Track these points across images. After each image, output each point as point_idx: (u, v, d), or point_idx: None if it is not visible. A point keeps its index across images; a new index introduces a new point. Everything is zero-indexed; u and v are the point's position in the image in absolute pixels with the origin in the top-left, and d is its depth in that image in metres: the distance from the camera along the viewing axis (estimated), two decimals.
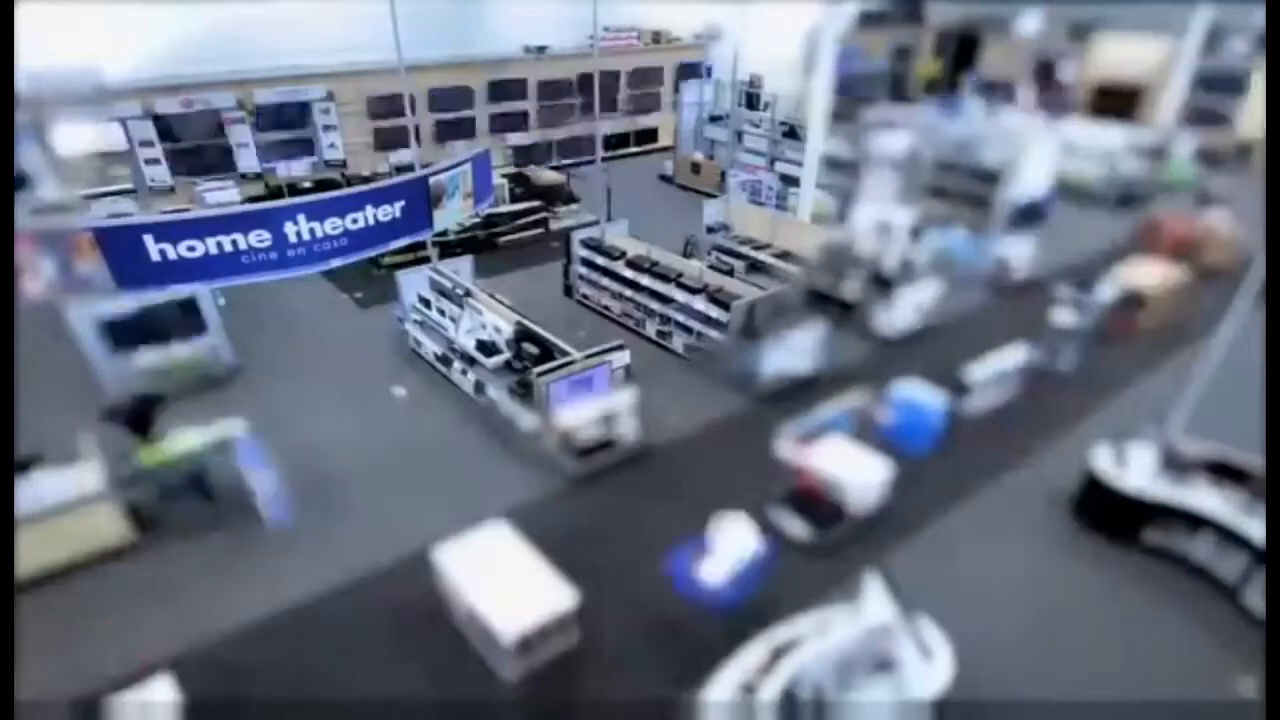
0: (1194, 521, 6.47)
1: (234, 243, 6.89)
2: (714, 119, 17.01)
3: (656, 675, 5.60)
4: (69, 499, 6.36)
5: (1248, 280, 5.88)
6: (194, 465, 6.92)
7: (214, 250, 6.82)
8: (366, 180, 11.45)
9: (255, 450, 6.85)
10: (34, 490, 6.30)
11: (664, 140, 20.39)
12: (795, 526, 6.91)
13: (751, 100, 17.18)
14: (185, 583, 6.41)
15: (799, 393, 9.04)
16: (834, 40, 10.28)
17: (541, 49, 18.52)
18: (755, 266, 11.47)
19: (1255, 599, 6.09)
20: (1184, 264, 11.40)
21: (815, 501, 7.03)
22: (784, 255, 11.29)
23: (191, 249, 6.72)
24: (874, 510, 7.06)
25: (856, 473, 6.98)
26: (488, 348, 8.65)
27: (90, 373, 8.54)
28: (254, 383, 9.42)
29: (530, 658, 5.49)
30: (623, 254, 10.68)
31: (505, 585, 5.64)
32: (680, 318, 9.94)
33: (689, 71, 19.80)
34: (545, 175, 15.89)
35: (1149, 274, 10.70)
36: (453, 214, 8.69)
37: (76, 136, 12.89)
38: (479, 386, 8.82)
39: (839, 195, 12.10)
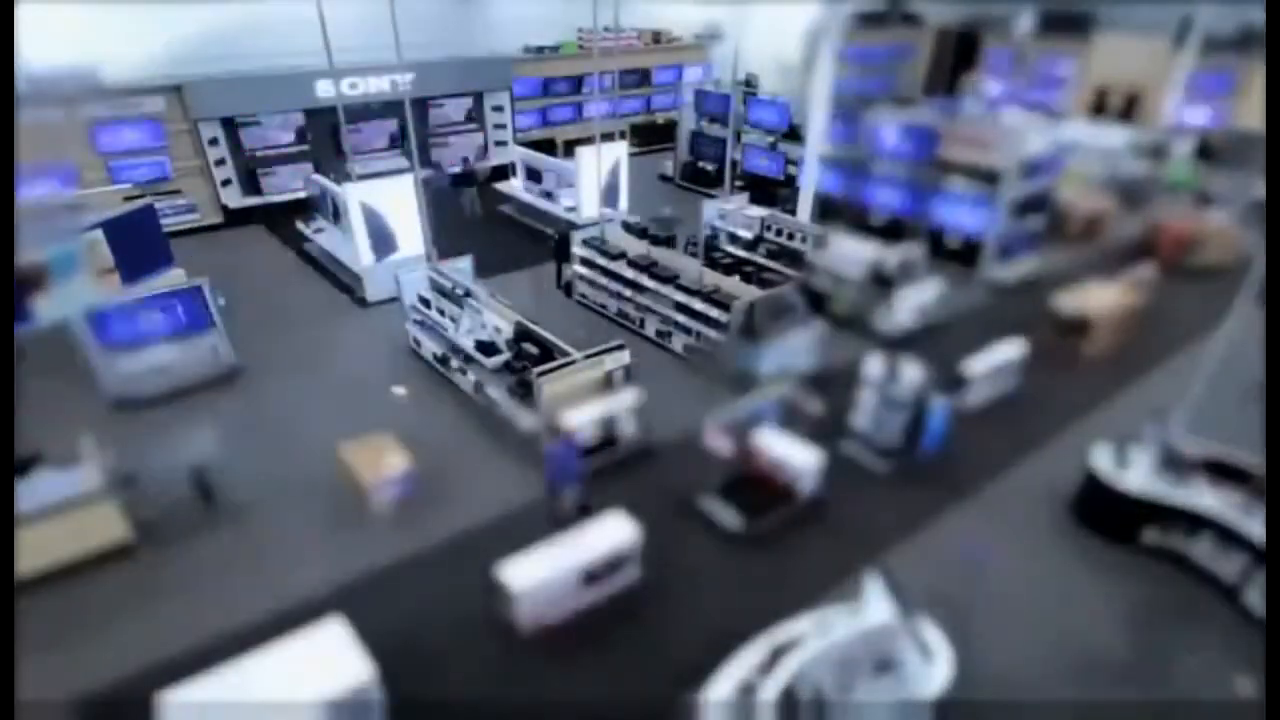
0: (1194, 521, 6.47)
1: None
2: (713, 119, 17.02)
3: (654, 674, 5.60)
4: (69, 499, 6.35)
5: (1248, 280, 5.88)
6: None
7: None
8: None
9: None
10: (34, 490, 6.30)
11: None
12: (727, 516, 7.05)
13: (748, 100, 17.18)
14: (185, 583, 6.42)
15: None
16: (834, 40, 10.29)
17: (542, 49, 18.56)
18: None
19: (1255, 599, 6.09)
20: (1182, 264, 11.36)
21: (762, 486, 7.18)
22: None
23: None
24: (812, 497, 7.23)
25: (801, 458, 7.17)
26: (487, 348, 8.65)
27: (90, 372, 8.55)
28: (254, 382, 9.42)
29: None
30: (622, 254, 10.68)
31: None
32: (680, 318, 9.94)
33: None
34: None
35: (1099, 298, 10.12)
36: (76, 297, 6.66)
37: None
38: (478, 386, 8.82)
39: None
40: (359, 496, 7.18)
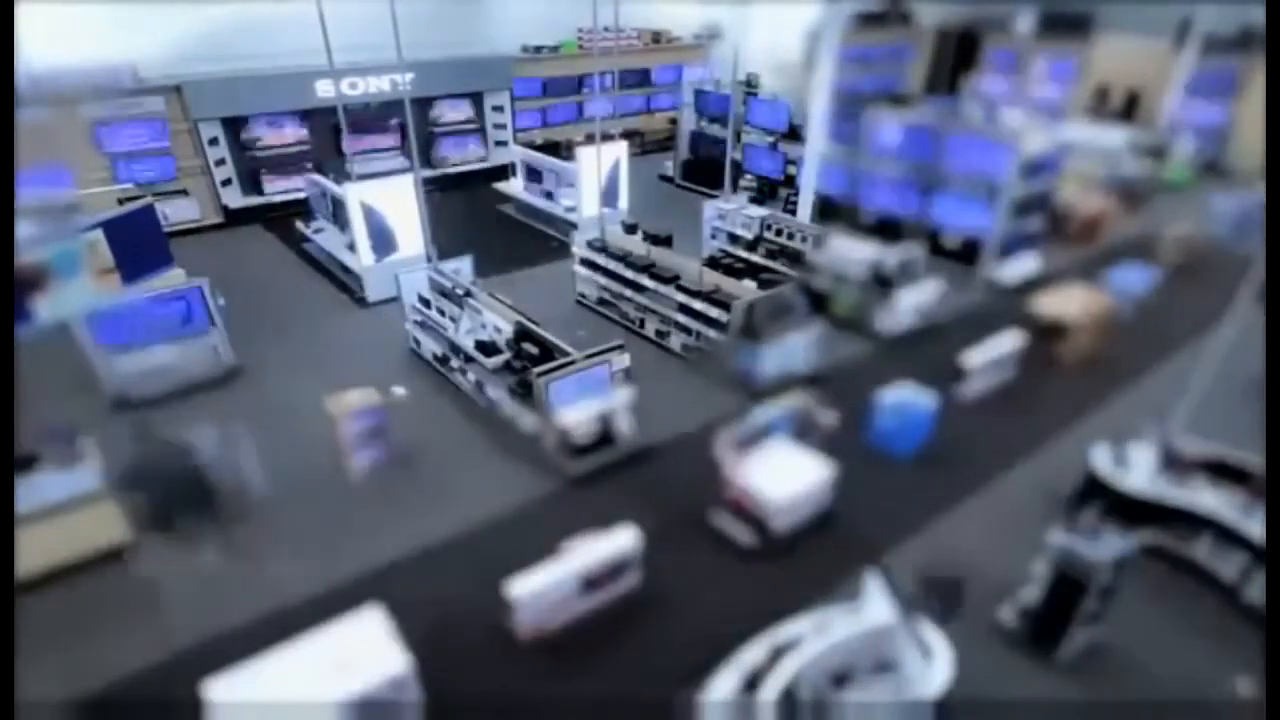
0: (1194, 521, 6.47)
1: None
2: (713, 119, 17.02)
3: (651, 673, 5.60)
4: (68, 498, 6.35)
5: (1247, 280, 5.88)
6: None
7: None
8: None
9: None
10: (34, 490, 6.29)
11: None
12: (739, 531, 6.84)
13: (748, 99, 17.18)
14: (185, 583, 6.41)
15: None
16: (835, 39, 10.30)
17: (541, 49, 18.55)
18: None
19: (1255, 599, 6.09)
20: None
21: (742, 513, 6.86)
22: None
23: None
24: (807, 520, 6.89)
25: (782, 486, 6.68)
26: (488, 348, 8.65)
27: (89, 372, 8.54)
28: (253, 383, 9.42)
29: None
30: (622, 255, 10.68)
31: None
32: (680, 318, 9.93)
33: None
34: None
35: (1069, 301, 9.86)
36: (76, 298, 6.76)
37: None
38: (479, 386, 8.82)
39: None
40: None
